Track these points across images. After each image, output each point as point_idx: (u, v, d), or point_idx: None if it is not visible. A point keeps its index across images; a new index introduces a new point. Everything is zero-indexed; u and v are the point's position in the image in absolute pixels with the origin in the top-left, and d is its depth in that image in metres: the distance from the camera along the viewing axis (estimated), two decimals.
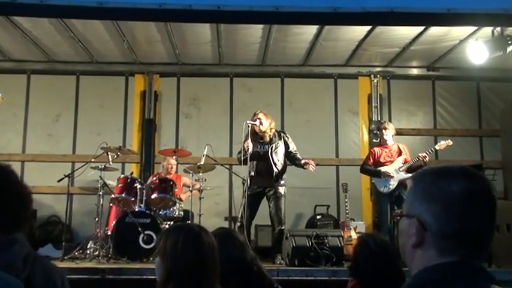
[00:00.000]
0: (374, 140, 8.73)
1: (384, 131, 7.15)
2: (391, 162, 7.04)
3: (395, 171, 6.94)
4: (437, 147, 7.08)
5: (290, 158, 6.61)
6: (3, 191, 1.73)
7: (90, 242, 6.53)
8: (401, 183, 6.78)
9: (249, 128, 6.46)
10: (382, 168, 6.97)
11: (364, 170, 7.34)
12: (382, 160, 7.08)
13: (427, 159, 6.78)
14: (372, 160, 7.15)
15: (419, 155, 6.88)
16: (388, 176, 6.90)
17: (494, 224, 1.21)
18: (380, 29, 7.34)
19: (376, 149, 7.24)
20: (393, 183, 6.90)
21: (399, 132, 8.22)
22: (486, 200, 1.20)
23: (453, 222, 1.18)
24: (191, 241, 2.24)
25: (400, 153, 7.10)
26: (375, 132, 8.78)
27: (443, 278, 1.15)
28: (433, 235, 1.19)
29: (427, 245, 1.20)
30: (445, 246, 1.18)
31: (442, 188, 1.20)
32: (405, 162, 7.00)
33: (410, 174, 6.56)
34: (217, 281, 2.26)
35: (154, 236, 6.12)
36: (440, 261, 1.17)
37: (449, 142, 7.06)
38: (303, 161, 6.48)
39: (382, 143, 7.22)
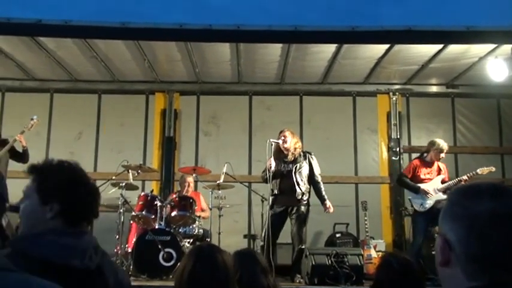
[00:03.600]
0: (393, 158, 8.71)
1: (440, 153, 6.94)
2: (430, 180, 6.92)
3: (434, 190, 6.82)
4: (479, 171, 6.85)
5: (313, 183, 6.57)
6: (74, 186, 1.84)
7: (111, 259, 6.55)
8: (439, 203, 6.64)
9: (273, 146, 6.47)
10: (422, 185, 6.87)
11: (402, 182, 7.18)
12: (421, 176, 6.95)
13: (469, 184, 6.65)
14: (411, 173, 7.02)
15: (461, 178, 6.79)
16: (426, 194, 6.80)
17: None
18: (398, 47, 7.35)
19: (418, 163, 7.08)
20: (429, 203, 6.76)
21: (418, 150, 8.20)
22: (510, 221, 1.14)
23: (474, 244, 1.15)
24: (204, 264, 2.25)
25: (439, 171, 7.00)
26: (394, 149, 8.75)
27: None
28: (457, 256, 1.17)
29: (454, 265, 1.18)
30: (471, 269, 1.15)
31: (466, 208, 1.18)
32: (443, 182, 6.90)
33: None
34: None
35: (174, 253, 6.15)
36: (467, 286, 1.14)
37: (492, 168, 6.92)
38: (327, 203, 6.49)
39: (428, 161, 7.04)
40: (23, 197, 1.88)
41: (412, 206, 7.07)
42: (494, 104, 9.02)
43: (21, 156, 6.95)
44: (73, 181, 1.85)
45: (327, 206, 6.49)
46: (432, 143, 7.04)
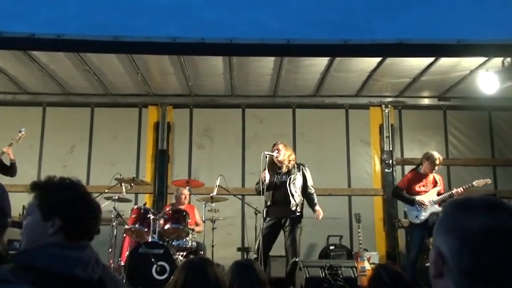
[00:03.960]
0: (386, 170, 8.74)
1: (433, 164, 6.91)
2: (425, 192, 6.92)
3: (429, 202, 6.82)
4: (475, 183, 6.86)
5: (306, 194, 6.57)
6: (76, 203, 1.90)
7: None
8: (435, 214, 6.64)
9: (267, 159, 6.48)
10: (417, 197, 6.87)
11: (397, 194, 7.22)
12: (417, 189, 6.95)
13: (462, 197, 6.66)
14: (405, 186, 7.02)
15: (455, 191, 6.81)
16: (422, 206, 6.80)
17: None
18: (390, 60, 7.42)
19: (412, 176, 7.09)
20: (425, 215, 6.76)
21: (411, 162, 8.24)
22: (506, 239, 1.13)
23: (467, 259, 1.15)
24: (196, 278, 2.26)
25: (435, 184, 7.00)
26: (386, 162, 8.78)
27: None
28: (450, 269, 1.17)
29: (447, 278, 1.17)
30: (463, 282, 1.15)
31: (460, 222, 1.18)
32: (439, 194, 6.90)
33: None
34: None
35: (167, 266, 6.12)
36: None
37: (488, 181, 6.96)
38: (316, 208, 6.49)
39: (423, 173, 7.04)
40: (25, 214, 1.94)
41: (407, 218, 7.08)
42: (485, 116, 9.09)
43: (8, 169, 6.90)
44: (74, 198, 1.90)
45: (317, 210, 6.46)
46: (425, 155, 7.07)
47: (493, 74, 7.15)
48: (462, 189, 6.77)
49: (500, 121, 9.06)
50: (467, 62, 7.47)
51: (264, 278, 2.99)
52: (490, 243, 1.13)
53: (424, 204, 6.78)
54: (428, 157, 6.97)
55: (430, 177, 7.01)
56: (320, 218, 6.48)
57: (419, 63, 7.57)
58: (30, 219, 1.90)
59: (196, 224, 7.53)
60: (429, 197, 6.87)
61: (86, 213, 1.91)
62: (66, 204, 1.87)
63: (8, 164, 6.90)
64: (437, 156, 6.98)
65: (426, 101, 9.14)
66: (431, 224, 6.65)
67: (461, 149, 9.02)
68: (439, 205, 6.77)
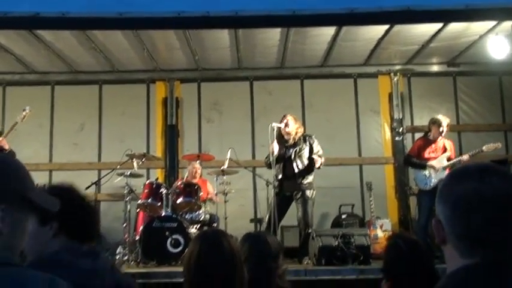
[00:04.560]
0: (397, 138, 8.72)
1: (439, 127, 6.92)
2: (435, 158, 6.91)
3: (439, 168, 6.82)
4: (485, 148, 6.84)
5: (314, 159, 6.56)
6: (68, 202, 1.91)
7: (119, 247, 6.63)
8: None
9: (275, 131, 6.48)
10: (429, 163, 6.87)
11: (409, 162, 7.25)
12: (426, 155, 6.95)
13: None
14: (416, 152, 7.05)
15: (463, 157, 6.80)
16: (432, 169, 6.81)
17: (508, 226, 1.16)
18: (398, 27, 7.32)
19: (421, 142, 7.12)
20: (434, 181, 6.76)
21: (421, 130, 8.21)
22: (494, 201, 1.16)
23: (459, 224, 1.19)
24: (210, 249, 2.28)
25: (445, 150, 6.98)
26: (396, 130, 8.76)
27: (458, 283, 1.16)
28: (448, 235, 1.21)
29: (449, 244, 1.22)
30: (460, 247, 1.19)
31: (452, 189, 1.22)
32: (449, 159, 6.88)
33: None
34: (241, 286, 2.28)
35: (181, 239, 6.20)
36: (462, 264, 1.17)
37: (499, 145, 6.93)
38: (314, 157, 6.48)
39: (431, 139, 7.03)
40: None
41: (416, 185, 7.09)
42: (496, 82, 9.00)
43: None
44: (67, 198, 1.93)
45: (314, 158, 6.45)
46: (431, 120, 7.05)
47: (503, 38, 7.07)
48: (468, 156, 6.76)
49: (510, 86, 8.95)
50: (477, 27, 7.35)
51: (277, 250, 3.01)
52: (478, 207, 1.17)
53: (434, 168, 6.78)
54: (435, 121, 6.96)
55: (440, 142, 6.99)
56: (317, 165, 6.45)
57: (427, 29, 7.47)
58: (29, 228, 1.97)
59: (210, 199, 7.57)
60: (438, 163, 6.86)
61: (80, 213, 2.00)
62: (65, 210, 1.89)
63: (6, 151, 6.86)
64: (444, 119, 6.94)
65: (435, 68, 9.05)
66: None
67: (471, 115, 8.96)
68: (449, 171, 6.77)
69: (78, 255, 1.92)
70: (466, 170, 1.25)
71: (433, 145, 6.98)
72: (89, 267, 1.86)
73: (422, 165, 6.92)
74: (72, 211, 1.96)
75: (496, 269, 1.14)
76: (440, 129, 6.90)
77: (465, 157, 6.79)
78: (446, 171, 6.75)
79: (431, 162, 6.86)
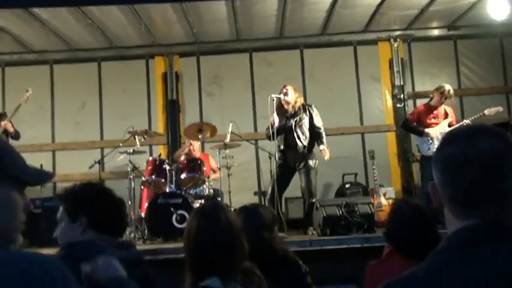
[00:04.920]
0: (398, 105, 8.69)
1: (442, 96, 6.88)
2: (437, 124, 6.91)
3: (441, 134, 6.78)
4: (486, 112, 6.84)
5: (315, 134, 6.56)
6: (96, 199, 2.12)
7: None
8: None
9: (275, 102, 6.46)
10: (427, 129, 6.87)
11: (406, 127, 7.27)
12: (427, 121, 6.95)
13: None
14: (415, 117, 7.05)
15: (465, 122, 6.79)
16: (428, 137, 6.82)
17: (495, 185, 1.16)
18: None
19: (422, 108, 7.12)
20: (436, 146, 6.76)
21: (423, 95, 8.16)
22: (480, 162, 1.16)
23: (447, 186, 1.21)
24: (208, 223, 2.30)
25: (446, 115, 6.98)
26: (398, 97, 8.72)
27: (452, 245, 1.17)
28: (442, 198, 1.23)
29: (446, 207, 1.23)
30: (454, 209, 1.21)
31: (442, 153, 1.23)
32: (450, 125, 6.87)
33: None
34: (243, 257, 2.31)
35: (186, 215, 6.22)
36: (458, 226, 1.18)
37: (500, 108, 6.91)
38: (321, 147, 6.50)
39: (433, 105, 7.02)
40: (58, 222, 2.15)
41: (419, 151, 7.10)
42: (497, 44, 8.91)
43: (14, 138, 6.92)
44: (95, 194, 2.12)
45: (322, 150, 6.48)
46: (436, 87, 7.00)
47: None
48: (470, 121, 6.75)
49: None
50: None
51: (271, 220, 3.04)
52: (464, 168, 1.17)
53: (429, 135, 6.80)
54: (438, 88, 6.93)
55: (441, 109, 6.98)
56: (326, 158, 6.50)
57: None
58: (61, 225, 2.11)
59: (213, 171, 7.58)
60: (440, 129, 6.85)
61: (108, 208, 2.11)
62: (88, 202, 2.08)
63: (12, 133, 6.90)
64: (447, 87, 6.90)
65: (436, 32, 8.94)
66: None
67: (473, 79, 8.90)
68: None
69: (114, 246, 2.01)
70: (455, 133, 1.26)
71: (435, 111, 6.97)
72: (124, 256, 1.94)
73: (418, 131, 6.95)
74: (101, 207, 2.08)
75: (486, 230, 1.15)
76: (445, 98, 6.89)
77: (467, 122, 6.77)
78: None
79: (431, 130, 6.85)
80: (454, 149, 1.20)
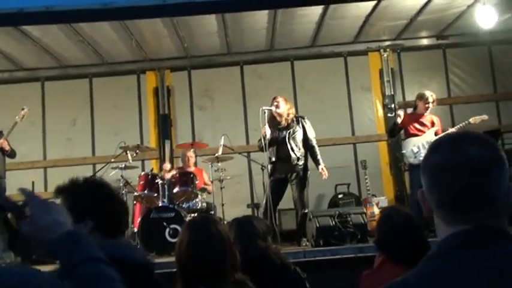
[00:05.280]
0: (389, 115, 8.73)
1: (426, 104, 6.88)
2: (423, 132, 6.88)
3: (427, 142, 6.80)
4: (471, 120, 6.82)
5: (308, 147, 6.57)
6: (104, 202, 2.00)
7: None
8: None
9: (266, 114, 6.47)
10: (414, 138, 6.85)
11: (391, 129, 7.21)
12: (413, 129, 6.89)
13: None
14: (400, 123, 6.91)
15: (451, 131, 6.79)
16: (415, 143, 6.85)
17: (482, 191, 1.17)
18: (385, 2, 7.29)
19: (408, 116, 7.03)
20: (423, 154, 6.79)
21: (413, 105, 8.19)
22: (464, 169, 1.17)
23: (434, 193, 1.22)
24: (199, 236, 2.30)
25: (432, 124, 6.96)
26: (389, 106, 8.76)
27: (443, 251, 1.17)
28: (431, 205, 1.23)
29: (435, 214, 1.24)
30: (442, 216, 1.22)
31: (428, 160, 1.24)
32: (436, 134, 6.86)
33: None
34: (235, 269, 2.31)
35: (179, 229, 6.20)
36: (448, 233, 1.19)
37: (485, 117, 6.88)
38: (319, 168, 6.50)
39: (418, 113, 6.99)
40: None
41: (404, 160, 7.10)
42: (485, 52, 8.99)
43: (9, 156, 6.90)
44: (102, 197, 2.00)
45: (321, 170, 6.50)
46: (417, 96, 7.05)
47: (490, 7, 7.03)
48: (456, 129, 6.76)
49: (500, 55, 8.95)
50: None
51: (265, 231, 3.04)
52: (449, 175, 1.18)
53: (413, 144, 6.82)
54: (420, 96, 6.95)
55: (427, 117, 6.96)
56: (325, 177, 6.51)
57: (415, 2, 7.45)
58: None
59: (206, 185, 7.59)
60: (427, 137, 6.85)
61: (114, 210, 2.02)
62: (94, 204, 1.96)
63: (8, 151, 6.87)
64: (428, 93, 6.92)
65: (425, 42, 9.02)
66: None
67: (462, 87, 8.96)
68: None
69: (124, 248, 1.96)
70: (442, 140, 1.26)
71: (420, 119, 6.96)
72: (131, 258, 1.91)
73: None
74: (104, 204, 1.99)
75: (476, 235, 1.16)
76: (426, 105, 6.88)
77: (452, 130, 6.79)
78: None
79: (418, 139, 6.82)
80: (441, 156, 1.21)
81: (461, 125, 6.82)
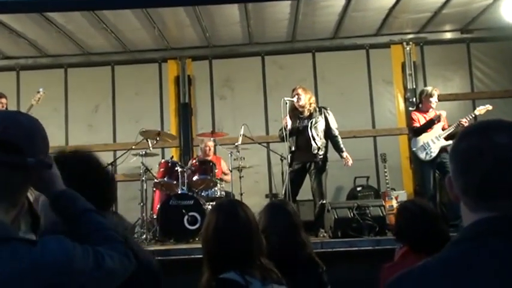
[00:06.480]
0: (410, 108, 8.64)
1: (430, 98, 7.02)
2: (431, 128, 6.99)
3: (436, 138, 6.89)
4: (476, 112, 6.92)
5: (331, 137, 6.61)
6: (92, 174, 1.90)
7: (137, 226, 6.73)
8: (443, 150, 6.78)
9: (288, 105, 6.49)
10: (422, 135, 6.95)
11: (417, 131, 7.12)
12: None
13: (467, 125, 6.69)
14: (418, 124, 7.07)
15: (460, 121, 6.82)
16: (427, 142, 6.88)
17: (509, 178, 1.16)
18: None
19: (417, 114, 7.15)
20: (434, 151, 6.88)
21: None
22: (492, 155, 1.16)
23: (461, 179, 1.21)
24: (226, 218, 2.32)
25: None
26: (410, 100, 8.69)
27: (467, 237, 1.18)
28: (457, 192, 1.23)
29: (461, 200, 1.24)
30: (468, 202, 1.21)
31: (457, 146, 1.24)
32: (444, 129, 6.95)
33: (450, 141, 6.53)
34: (261, 254, 2.32)
35: (198, 216, 6.27)
36: (473, 220, 1.19)
37: (489, 107, 6.94)
38: (344, 154, 6.57)
39: (424, 110, 7.13)
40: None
41: (417, 157, 7.10)
42: (510, 46, 8.83)
43: None
44: (89, 169, 1.90)
45: (345, 157, 6.55)
46: (420, 92, 7.11)
47: None
48: (465, 120, 6.82)
49: None
50: None
51: (298, 221, 3.04)
52: (476, 161, 1.18)
53: (442, 116, 6.98)
54: (422, 93, 7.09)
55: (432, 113, 7.04)
56: (350, 163, 6.56)
57: None
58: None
59: (224, 174, 7.63)
60: (435, 133, 6.92)
61: (101, 183, 1.92)
62: (83, 177, 1.85)
63: None
64: (431, 89, 7.02)
65: (448, 35, 8.90)
66: (440, 160, 6.84)
67: (486, 82, 8.84)
68: (446, 139, 6.84)
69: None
70: (470, 128, 1.28)
71: (427, 116, 7.03)
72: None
73: (431, 121, 6.98)
74: (93, 177, 1.90)
75: (501, 223, 1.15)
76: (432, 100, 7.01)
77: (463, 120, 6.81)
78: (444, 140, 6.85)
79: (426, 135, 6.95)
80: (469, 142, 1.21)
81: (468, 116, 6.88)
